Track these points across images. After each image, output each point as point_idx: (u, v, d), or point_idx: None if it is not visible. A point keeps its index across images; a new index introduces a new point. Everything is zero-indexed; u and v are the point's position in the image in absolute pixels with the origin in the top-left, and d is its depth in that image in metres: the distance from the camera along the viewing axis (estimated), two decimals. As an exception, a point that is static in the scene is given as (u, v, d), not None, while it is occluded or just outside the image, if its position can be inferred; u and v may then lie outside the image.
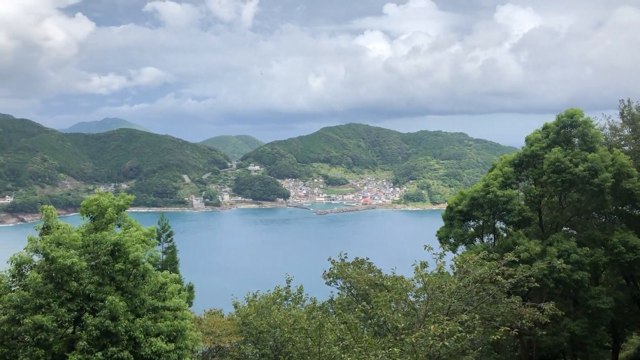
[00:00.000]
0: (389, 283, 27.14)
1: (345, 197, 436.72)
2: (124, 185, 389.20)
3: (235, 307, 38.43)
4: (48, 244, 19.53)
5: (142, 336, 19.74)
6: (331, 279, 38.32)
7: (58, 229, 20.96)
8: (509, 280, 23.71)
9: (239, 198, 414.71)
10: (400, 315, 22.24)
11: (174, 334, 20.83)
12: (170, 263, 43.48)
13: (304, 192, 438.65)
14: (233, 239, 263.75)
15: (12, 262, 20.82)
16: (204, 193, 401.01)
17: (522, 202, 38.32)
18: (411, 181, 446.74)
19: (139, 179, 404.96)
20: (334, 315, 30.46)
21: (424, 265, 23.96)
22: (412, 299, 27.45)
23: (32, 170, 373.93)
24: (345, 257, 38.86)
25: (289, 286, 40.72)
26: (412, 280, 27.16)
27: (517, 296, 26.28)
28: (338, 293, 39.58)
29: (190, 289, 42.78)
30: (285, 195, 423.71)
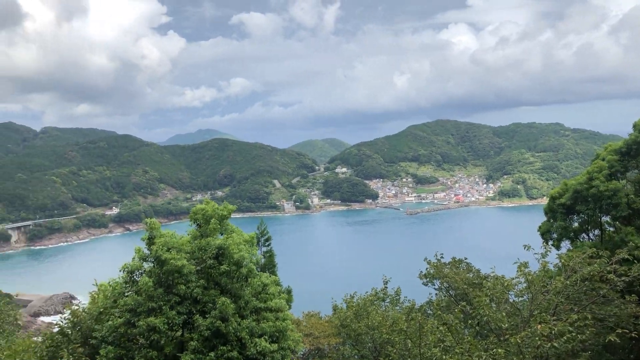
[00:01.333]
0: (489, 282, 26.40)
1: (436, 195, 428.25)
2: (219, 193, 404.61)
3: (335, 309, 38.93)
4: (160, 247, 20.83)
5: (248, 337, 20.52)
6: (428, 279, 37.74)
7: (162, 237, 22.31)
8: (622, 279, 22.26)
9: (328, 200, 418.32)
10: (503, 314, 21.56)
11: (277, 334, 21.47)
12: (268, 267, 44.77)
13: (393, 192, 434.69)
14: (325, 241, 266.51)
15: (124, 269, 22.42)
16: (294, 197, 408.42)
17: (632, 195, 35.69)
18: (505, 176, 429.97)
19: (233, 185, 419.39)
20: (433, 317, 30.06)
21: (525, 265, 23.11)
22: (513, 299, 26.52)
23: (135, 182, 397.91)
24: (442, 257, 38.20)
25: (386, 287, 40.62)
26: (514, 279, 26.26)
27: (633, 295, 24.61)
28: (436, 294, 38.94)
29: (289, 291, 43.78)
30: (374, 196, 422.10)
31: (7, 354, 20.90)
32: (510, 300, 24.96)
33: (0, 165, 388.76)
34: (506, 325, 21.11)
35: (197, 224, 23.47)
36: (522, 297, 25.75)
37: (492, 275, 30.60)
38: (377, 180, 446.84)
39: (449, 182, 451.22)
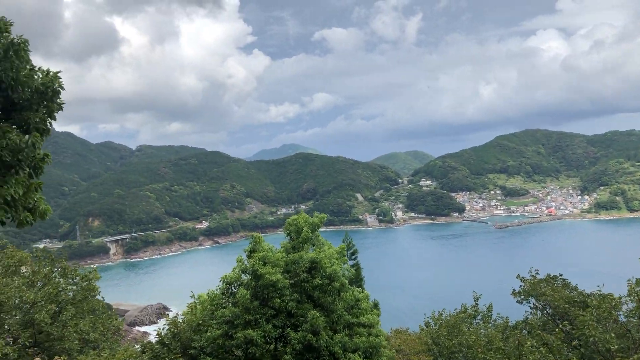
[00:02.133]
0: (594, 301, 24.77)
1: (526, 208, 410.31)
2: (303, 207, 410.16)
3: (427, 326, 38.14)
4: (257, 262, 21.30)
5: (341, 351, 20.41)
6: (522, 297, 36.16)
7: (263, 250, 22.81)
8: None
9: (412, 214, 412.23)
10: (612, 335, 20.13)
11: (370, 350, 21.20)
12: (355, 280, 44.58)
13: (480, 205, 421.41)
14: (410, 255, 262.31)
15: (223, 280, 23.04)
16: (377, 210, 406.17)
17: None
18: (602, 187, 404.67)
19: (316, 199, 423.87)
20: (529, 336, 28.56)
21: (639, 283, 21.48)
22: (623, 319, 24.75)
23: (223, 196, 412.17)
24: (536, 273, 36.46)
25: (477, 304, 39.32)
26: (622, 297, 24.52)
27: None
28: (531, 312, 37.15)
29: (376, 305, 43.29)
30: (460, 210, 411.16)
31: (112, 362, 22.02)
32: (620, 320, 23.28)
33: (101, 182, 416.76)
34: (615, 347, 19.70)
35: (290, 236, 23.84)
36: (632, 317, 23.97)
37: (596, 293, 28.75)
38: (464, 193, 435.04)
39: (540, 195, 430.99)
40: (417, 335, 41.18)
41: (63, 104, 10.97)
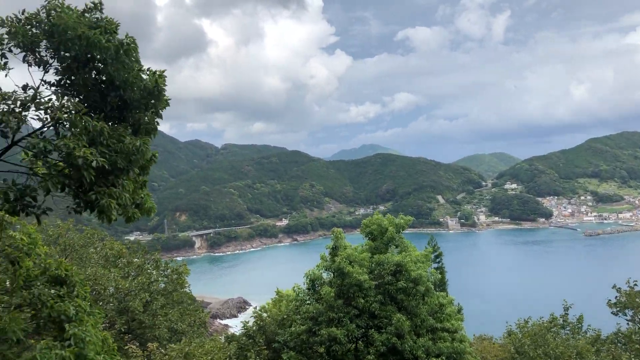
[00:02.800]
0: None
1: (620, 215, 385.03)
2: (381, 207, 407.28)
3: (510, 334, 36.76)
4: (342, 260, 21.44)
5: (424, 356, 20.13)
6: (618, 308, 34.06)
7: (346, 249, 22.89)
8: None
9: (496, 218, 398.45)
10: None
11: (454, 356, 20.78)
12: (439, 284, 43.74)
13: (569, 210, 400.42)
14: (494, 261, 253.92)
15: (307, 277, 23.34)
16: (458, 213, 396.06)
17: None
18: None
19: (395, 201, 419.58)
20: (626, 350, 26.84)
21: None
22: None
23: (302, 195, 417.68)
24: (635, 284, 34.25)
25: (567, 314, 37.42)
26: None
27: None
28: (627, 325, 34.88)
29: (459, 310, 42.27)
30: (547, 215, 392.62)
31: (200, 352, 22.87)
32: None
33: (188, 179, 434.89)
34: None
35: (370, 237, 23.70)
36: None
37: None
38: (551, 197, 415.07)
39: (636, 201, 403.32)
40: (500, 344, 39.82)
41: (169, 99, 11.52)
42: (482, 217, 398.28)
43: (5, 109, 9.62)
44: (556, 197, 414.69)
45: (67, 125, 9.76)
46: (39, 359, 8.89)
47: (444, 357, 20.34)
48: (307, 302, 22.64)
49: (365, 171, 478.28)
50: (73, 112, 9.61)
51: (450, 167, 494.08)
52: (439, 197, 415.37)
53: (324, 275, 22.72)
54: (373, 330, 20.84)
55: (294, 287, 24.00)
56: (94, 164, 9.33)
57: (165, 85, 11.23)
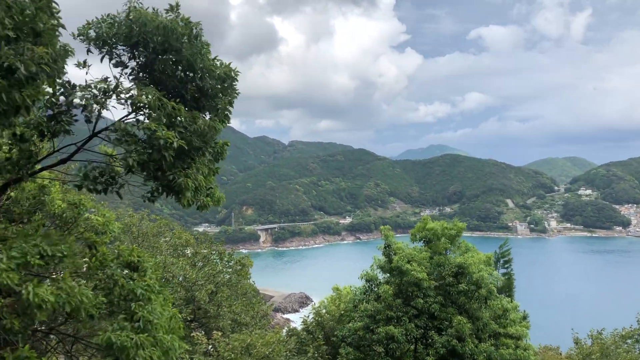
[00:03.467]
0: None
1: None
2: (448, 209, 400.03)
3: (576, 343, 35.28)
4: (401, 258, 21.38)
5: (485, 361, 19.74)
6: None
7: (401, 248, 22.78)
8: None
9: (568, 225, 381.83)
10: None
11: (517, 363, 20.23)
12: (506, 289, 42.55)
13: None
14: (564, 269, 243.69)
15: (363, 277, 23.49)
16: (528, 218, 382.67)
17: None
18: None
19: (462, 203, 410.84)
20: None
21: None
22: None
23: (366, 194, 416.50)
24: None
25: (642, 328, 35.47)
26: None
27: None
28: None
29: (525, 317, 41.00)
30: (625, 224, 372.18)
31: (262, 343, 23.43)
32: None
33: (255, 174, 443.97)
34: None
35: (425, 241, 23.42)
36: None
37: None
38: (629, 205, 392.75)
39: None
40: (568, 355, 38.30)
41: (238, 92, 12.05)
42: (553, 223, 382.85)
43: (88, 96, 10.36)
44: (635, 205, 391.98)
45: (147, 112, 10.38)
46: (114, 339, 9.45)
47: (506, 364, 19.82)
48: (366, 300, 22.72)
49: (433, 172, 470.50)
50: (151, 97, 10.21)
51: (521, 170, 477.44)
52: (508, 201, 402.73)
53: (379, 276, 22.72)
54: (433, 331, 20.62)
55: (350, 287, 24.16)
56: (174, 144, 9.89)
57: (237, 74, 11.80)
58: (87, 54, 11.17)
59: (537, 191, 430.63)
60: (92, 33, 11.04)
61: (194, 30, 11.04)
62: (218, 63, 11.56)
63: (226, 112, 11.90)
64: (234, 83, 11.81)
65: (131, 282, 10.66)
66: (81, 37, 11.10)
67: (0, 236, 10.20)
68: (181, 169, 10.74)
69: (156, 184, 10.85)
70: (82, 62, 11.27)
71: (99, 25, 10.93)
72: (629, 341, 33.12)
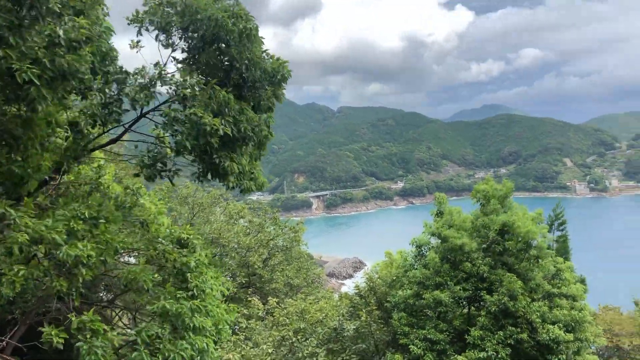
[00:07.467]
0: None
1: None
2: (503, 170, 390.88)
3: (637, 304, 34.40)
4: (441, 226, 21.39)
5: (539, 321, 19.58)
6: None
7: (449, 213, 22.74)
8: None
9: (631, 183, 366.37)
10: None
11: (572, 324, 19.98)
12: (562, 252, 41.69)
13: None
14: (625, 230, 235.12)
15: (413, 244, 23.61)
16: (588, 178, 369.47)
17: None
18: None
19: (518, 163, 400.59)
20: None
21: None
22: None
23: (418, 158, 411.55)
24: None
25: None
26: None
27: None
28: None
29: (582, 281, 40.16)
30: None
31: (315, 308, 24.06)
32: None
33: (306, 142, 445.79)
34: None
35: (481, 203, 23.24)
36: None
37: None
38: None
39: None
40: (630, 315, 37.40)
41: (284, 89, 12.53)
42: (615, 182, 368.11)
43: (138, 85, 10.81)
44: None
45: (192, 99, 10.73)
46: (168, 307, 10.02)
47: (560, 325, 19.61)
48: (415, 267, 22.88)
49: (487, 133, 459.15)
50: (196, 88, 10.57)
51: (580, 127, 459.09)
52: (567, 160, 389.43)
53: (432, 240, 22.76)
54: (484, 292, 20.60)
55: (401, 252, 24.30)
56: (220, 131, 10.26)
57: (288, 73, 12.15)
58: (137, 35, 11.62)
59: (598, 149, 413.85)
60: (146, 20, 11.46)
61: (248, 28, 11.26)
62: (267, 57, 11.92)
63: (270, 104, 12.25)
64: (284, 79, 12.19)
65: (183, 257, 11.21)
66: (136, 24, 11.55)
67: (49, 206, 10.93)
68: (227, 153, 11.13)
69: (202, 166, 11.31)
70: (135, 42, 11.77)
71: (154, 12, 11.33)
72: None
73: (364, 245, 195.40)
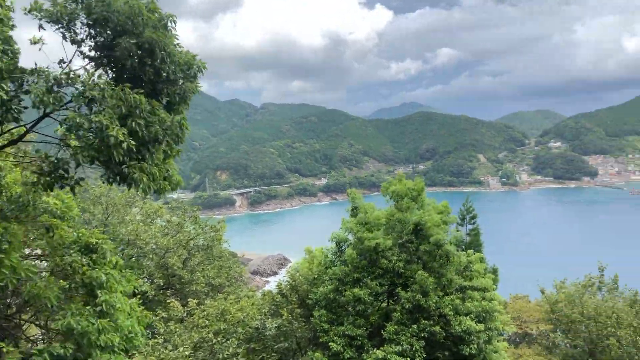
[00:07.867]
0: None
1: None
2: (421, 166, 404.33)
3: (542, 293, 36.60)
4: (355, 225, 21.87)
5: (452, 314, 20.41)
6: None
7: (364, 210, 23.25)
8: None
9: (539, 177, 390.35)
10: None
11: (483, 314, 20.96)
12: (474, 245, 43.60)
13: (616, 169, 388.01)
14: (534, 221, 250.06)
15: (333, 239, 23.93)
16: (500, 172, 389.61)
17: None
18: None
19: (435, 160, 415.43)
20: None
21: None
22: None
23: (341, 154, 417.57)
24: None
25: (603, 275, 36.89)
26: None
27: None
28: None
29: (495, 271, 42.25)
30: (593, 174, 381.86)
31: (236, 308, 23.81)
32: None
33: (228, 138, 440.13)
34: None
35: (394, 200, 23.88)
36: None
37: None
38: (597, 156, 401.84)
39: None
40: (537, 303, 39.77)
41: (200, 86, 11.93)
42: (525, 176, 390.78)
43: (43, 88, 9.94)
44: (602, 156, 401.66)
45: (100, 101, 10.05)
46: (74, 324, 9.48)
47: (472, 316, 20.53)
48: (334, 263, 23.20)
49: (405, 130, 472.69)
50: (106, 89, 9.89)
51: (493, 125, 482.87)
52: (480, 156, 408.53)
53: (350, 237, 23.16)
54: (399, 288, 21.21)
55: (322, 249, 24.55)
56: (124, 145, 9.67)
57: (202, 66, 11.68)
58: (39, 30, 10.70)
59: (509, 145, 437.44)
60: (46, 7, 10.55)
61: (161, 18, 10.74)
62: (180, 50, 11.37)
63: (185, 99, 11.75)
64: (198, 74, 11.67)
65: (92, 271, 10.62)
66: (34, 13, 10.61)
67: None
68: (136, 161, 10.49)
69: (109, 172, 10.61)
70: (36, 39, 10.82)
71: (54, 4, 10.46)
72: (589, 289, 34.38)
73: (289, 242, 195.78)
